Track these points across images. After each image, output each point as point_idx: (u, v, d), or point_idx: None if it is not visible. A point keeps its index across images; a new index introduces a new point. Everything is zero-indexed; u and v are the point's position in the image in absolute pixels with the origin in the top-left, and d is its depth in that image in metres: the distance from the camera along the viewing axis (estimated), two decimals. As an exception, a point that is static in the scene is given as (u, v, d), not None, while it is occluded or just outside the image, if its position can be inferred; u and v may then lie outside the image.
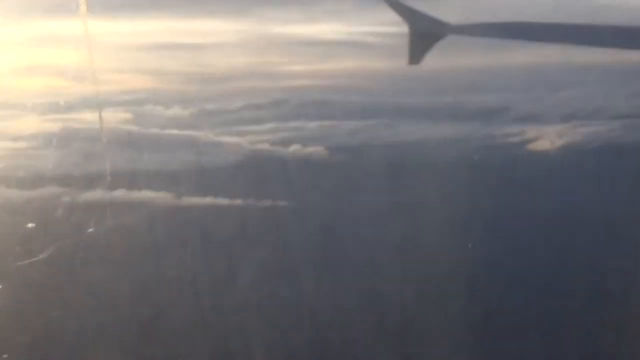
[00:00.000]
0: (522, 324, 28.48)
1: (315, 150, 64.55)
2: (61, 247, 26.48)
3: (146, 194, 40.08)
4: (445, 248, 32.84)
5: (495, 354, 26.12)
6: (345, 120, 78.98)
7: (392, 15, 15.33)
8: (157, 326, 24.73)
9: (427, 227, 37.05)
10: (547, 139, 69.75)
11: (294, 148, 64.44)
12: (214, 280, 28.20)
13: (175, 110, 77.60)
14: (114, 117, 62.45)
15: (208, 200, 41.30)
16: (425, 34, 14.72)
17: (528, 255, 36.05)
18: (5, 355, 20.62)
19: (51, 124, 53.33)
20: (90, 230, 27.44)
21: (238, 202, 41.96)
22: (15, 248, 26.60)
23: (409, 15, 15.16)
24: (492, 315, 28.51)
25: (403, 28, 15.16)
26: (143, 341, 23.55)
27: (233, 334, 24.84)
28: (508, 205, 44.81)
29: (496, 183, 50.31)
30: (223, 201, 41.67)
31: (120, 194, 37.96)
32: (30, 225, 27.10)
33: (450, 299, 28.10)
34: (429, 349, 24.64)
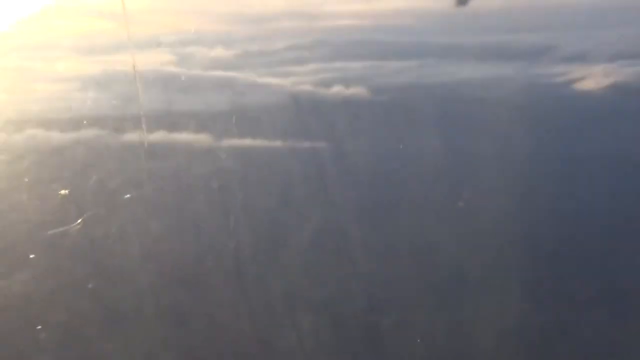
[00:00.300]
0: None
1: (359, 91, 64.07)
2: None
3: (187, 136, 39.97)
4: (491, 187, 32.54)
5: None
6: (390, 61, 78.44)
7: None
8: (199, 278, 24.46)
9: (473, 166, 36.76)
10: (593, 78, 68.91)
11: (337, 89, 63.93)
12: (254, 224, 28.02)
13: (218, 52, 77.34)
14: (157, 59, 62.15)
15: (249, 142, 41.12)
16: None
17: (571, 197, 35.67)
18: (39, 327, 20.40)
19: (92, 66, 53.27)
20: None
21: (279, 144, 41.77)
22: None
23: None
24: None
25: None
26: (186, 296, 23.28)
27: (276, 271, 24.70)
28: (553, 145, 44.35)
29: (541, 123, 49.80)
30: (264, 143, 41.50)
31: (160, 136, 37.86)
32: (63, 191, 26.68)
33: (499, 234, 27.87)
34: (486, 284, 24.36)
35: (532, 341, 22.63)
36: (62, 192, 25.92)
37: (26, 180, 27.34)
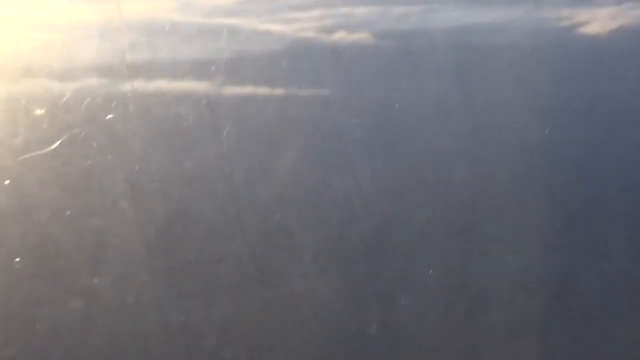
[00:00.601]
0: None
1: (362, 36, 63.40)
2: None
3: (187, 84, 39.43)
4: (497, 135, 32.25)
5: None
6: (393, 6, 77.65)
7: None
8: (186, 223, 23.93)
9: (477, 113, 36.50)
10: (599, 22, 68.38)
11: (340, 35, 63.21)
12: (251, 173, 27.58)
13: (219, -2, 76.62)
14: (158, 6, 61.43)
15: (249, 89, 40.67)
16: None
17: (584, 140, 35.33)
18: (17, 259, 19.72)
19: (90, 14, 52.51)
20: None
21: (280, 91, 41.30)
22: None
23: None
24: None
25: None
26: (167, 241, 22.65)
27: (270, 223, 24.24)
28: (557, 89, 43.95)
29: (546, 68, 49.33)
30: (265, 90, 41.04)
31: (161, 84, 37.37)
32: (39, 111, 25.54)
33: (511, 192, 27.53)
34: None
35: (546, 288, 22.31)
36: (38, 111, 24.80)
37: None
